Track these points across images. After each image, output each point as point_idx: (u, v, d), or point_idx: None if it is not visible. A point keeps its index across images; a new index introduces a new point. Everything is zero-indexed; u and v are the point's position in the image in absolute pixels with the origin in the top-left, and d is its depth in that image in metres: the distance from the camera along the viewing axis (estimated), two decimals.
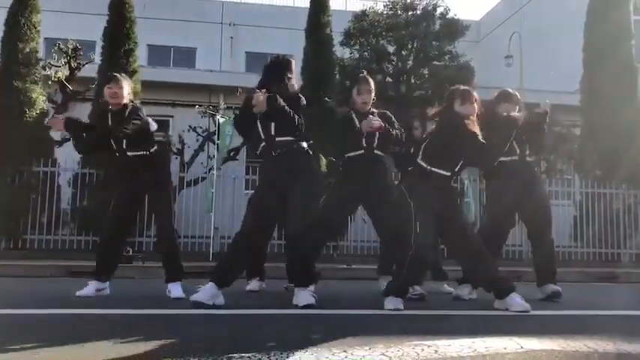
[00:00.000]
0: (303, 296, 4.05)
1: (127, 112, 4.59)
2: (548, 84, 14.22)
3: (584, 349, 2.70)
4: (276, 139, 4.22)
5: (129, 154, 4.64)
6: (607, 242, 10.45)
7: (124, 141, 4.59)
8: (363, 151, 4.56)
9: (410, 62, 12.35)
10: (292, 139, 4.23)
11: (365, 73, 4.82)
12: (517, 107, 4.83)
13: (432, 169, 4.09)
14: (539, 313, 3.86)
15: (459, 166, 4.17)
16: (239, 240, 4.23)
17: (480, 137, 4.04)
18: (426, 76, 12.36)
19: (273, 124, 4.21)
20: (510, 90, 5.02)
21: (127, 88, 4.71)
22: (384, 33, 12.27)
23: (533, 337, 2.92)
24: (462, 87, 4.24)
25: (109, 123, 4.62)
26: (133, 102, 4.78)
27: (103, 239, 4.85)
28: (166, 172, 4.95)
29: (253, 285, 5.28)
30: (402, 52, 12.31)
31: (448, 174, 4.13)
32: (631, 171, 10.54)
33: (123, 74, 4.96)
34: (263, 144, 4.29)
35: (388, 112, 4.76)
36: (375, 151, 4.57)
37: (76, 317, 3.57)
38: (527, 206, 4.94)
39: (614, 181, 10.56)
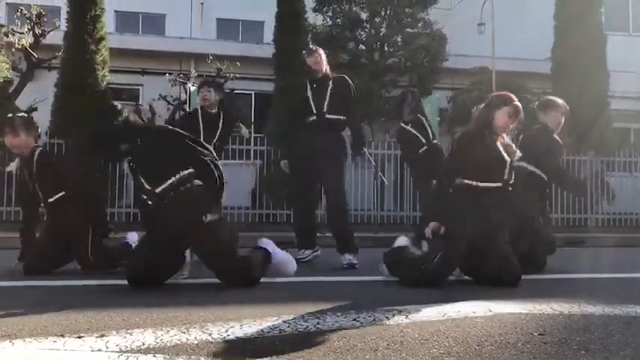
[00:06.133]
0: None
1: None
2: (520, 52, 14.28)
3: (550, 312, 2.77)
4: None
5: None
6: (575, 208, 10.71)
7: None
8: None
9: (383, 30, 12.25)
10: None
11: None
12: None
13: None
14: None
15: None
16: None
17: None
18: (400, 43, 12.30)
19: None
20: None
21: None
22: None
23: (502, 301, 2.99)
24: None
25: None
26: None
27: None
28: None
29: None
30: (375, 19, 12.19)
31: None
32: (599, 138, 10.75)
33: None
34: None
35: (346, 77, 4.98)
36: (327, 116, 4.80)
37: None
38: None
39: (582, 148, 10.76)
